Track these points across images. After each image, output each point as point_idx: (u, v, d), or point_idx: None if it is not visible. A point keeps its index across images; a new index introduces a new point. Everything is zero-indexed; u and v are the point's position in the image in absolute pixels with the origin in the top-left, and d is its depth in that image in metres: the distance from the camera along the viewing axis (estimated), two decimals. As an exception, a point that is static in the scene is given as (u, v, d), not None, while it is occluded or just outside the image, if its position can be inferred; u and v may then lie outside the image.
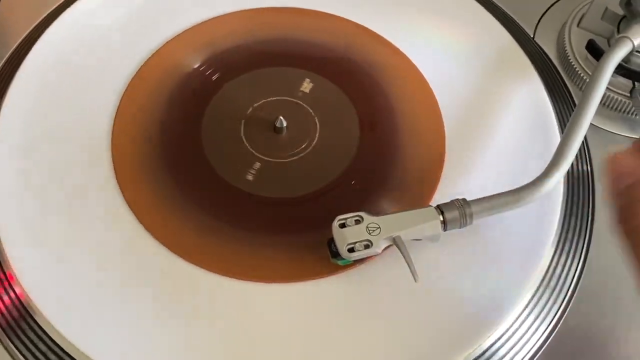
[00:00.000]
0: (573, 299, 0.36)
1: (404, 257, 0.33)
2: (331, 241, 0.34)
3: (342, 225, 0.34)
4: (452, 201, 0.34)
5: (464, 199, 0.34)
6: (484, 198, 0.35)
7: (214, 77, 0.41)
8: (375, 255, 0.34)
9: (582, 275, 0.37)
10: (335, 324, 0.34)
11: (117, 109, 0.39)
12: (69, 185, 0.37)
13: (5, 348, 0.34)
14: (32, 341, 0.34)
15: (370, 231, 0.34)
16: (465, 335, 0.33)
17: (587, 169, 0.41)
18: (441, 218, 0.34)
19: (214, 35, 0.43)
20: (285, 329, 0.33)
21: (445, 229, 0.34)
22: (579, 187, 0.40)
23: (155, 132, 0.38)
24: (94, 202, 0.37)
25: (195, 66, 0.42)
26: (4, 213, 0.36)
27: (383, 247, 0.34)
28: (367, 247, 0.33)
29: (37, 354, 0.33)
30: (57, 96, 0.41)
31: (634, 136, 0.41)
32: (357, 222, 0.34)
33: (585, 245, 0.38)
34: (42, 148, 0.38)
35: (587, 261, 0.38)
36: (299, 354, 0.33)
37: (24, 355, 0.33)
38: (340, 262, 0.35)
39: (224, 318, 0.33)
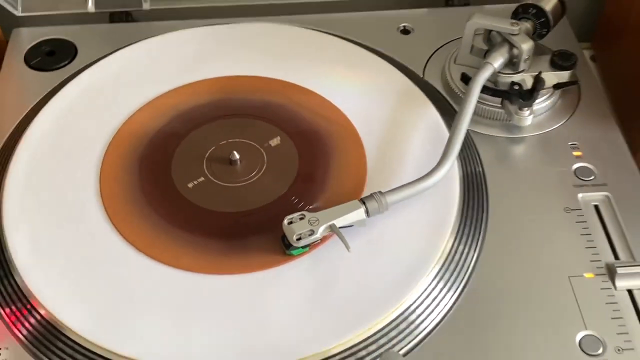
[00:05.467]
0: (474, 273, 0.45)
1: (339, 237, 0.43)
2: (283, 237, 0.44)
3: (290, 223, 0.44)
4: (371, 194, 0.45)
5: (379, 191, 0.45)
6: (395, 188, 0.45)
7: (181, 128, 0.52)
8: (317, 243, 0.45)
9: (481, 254, 0.46)
10: (287, 298, 0.43)
11: (105, 153, 0.51)
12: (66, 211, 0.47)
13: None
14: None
15: (312, 223, 0.44)
16: (389, 297, 0.43)
17: (480, 170, 0.52)
18: (364, 207, 0.45)
19: (179, 100, 0.54)
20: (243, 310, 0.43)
21: (368, 216, 0.45)
22: (474, 185, 0.51)
23: (134, 169, 0.49)
24: (85, 229, 0.46)
25: (164, 123, 0.53)
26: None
27: (323, 233, 0.44)
28: (311, 234, 0.43)
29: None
30: (54, 159, 0.51)
31: (511, 136, 0.53)
32: (301, 218, 0.44)
33: (482, 231, 0.48)
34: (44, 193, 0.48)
35: (484, 243, 0.47)
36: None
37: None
38: (293, 252, 0.45)
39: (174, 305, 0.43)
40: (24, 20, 0.63)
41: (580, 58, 0.56)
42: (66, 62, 0.59)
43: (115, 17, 0.64)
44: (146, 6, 0.63)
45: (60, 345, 0.41)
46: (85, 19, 0.63)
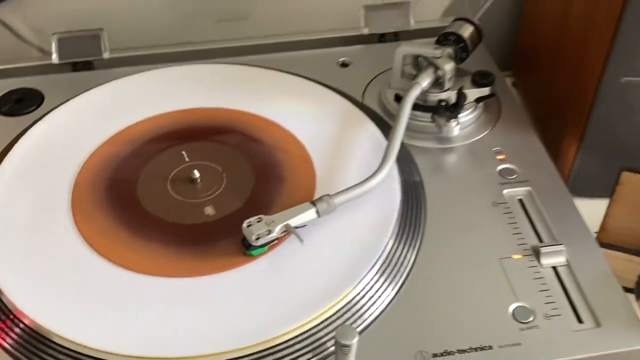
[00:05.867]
0: (415, 264, 0.50)
1: (294, 233, 0.48)
2: (244, 239, 0.49)
3: (249, 225, 0.49)
4: (321, 197, 0.50)
5: (328, 194, 0.50)
6: (341, 191, 0.51)
7: (146, 154, 0.57)
8: (275, 244, 0.49)
9: (421, 248, 0.51)
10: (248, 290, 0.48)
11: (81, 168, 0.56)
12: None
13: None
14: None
15: (268, 224, 0.49)
16: (336, 288, 0.47)
17: (418, 177, 0.58)
18: (315, 208, 0.50)
19: (142, 130, 0.60)
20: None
21: (319, 216, 0.50)
22: (412, 189, 0.57)
23: (102, 191, 0.54)
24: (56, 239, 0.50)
25: (130, 150, 0.58)
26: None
27: (280, 232, 0.49)
28: (268, 233, 0.48)
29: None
30: (28, 187, 0.55)
31: (443, 146, 0.59)
32: (259, 221, 0.49)
33: (421, 227, 0.53)
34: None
35: (423, 238, 0.52)
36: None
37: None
38: (254, 253, 0.49)
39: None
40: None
41: (501, 82, 0.64)
42: (34, 107, 0.64)
43: (78, 66, 0.69)
44: (106, 55, 0.69)
45: (43, 347, 0.45)
46: (50, 69, 0.68)
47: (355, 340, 0.41)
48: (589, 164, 0.61)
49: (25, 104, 0.65)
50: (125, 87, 0.64)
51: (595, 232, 0.64)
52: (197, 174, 0.54)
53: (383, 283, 0.49)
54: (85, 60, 0.69)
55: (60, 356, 0.44)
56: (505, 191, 0.56)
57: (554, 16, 0.67)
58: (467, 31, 0.62)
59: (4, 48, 0.69)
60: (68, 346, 0.45)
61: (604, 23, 0.55)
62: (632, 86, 0.56)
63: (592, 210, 0.62)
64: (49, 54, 0.68)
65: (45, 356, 0.45)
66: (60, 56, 0.68)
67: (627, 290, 0.50)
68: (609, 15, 0.55)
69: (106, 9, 0.68)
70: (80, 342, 0.44)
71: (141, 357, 0.44)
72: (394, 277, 0.49)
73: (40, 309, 0.46)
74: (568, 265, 0.50)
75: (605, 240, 0.63)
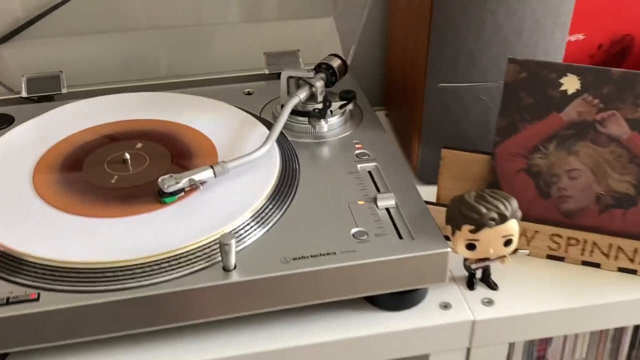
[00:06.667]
0: (286, 213, 0.69)
1: (194, 182, 0.67)
2: (159, 190, 0.67)
3: (162, 180, 0.67)
4: (218, 162, 0.69)
5: (223, 160, 0.69)
6: (233, 159, 0.70)
7: (89, 148, 0.76)
8: (181, 197, 0.68)
9: (292, 201, 0.70)
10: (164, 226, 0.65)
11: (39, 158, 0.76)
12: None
13: None
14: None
15: (177, 179, 0.67)
16: (221, 223, 0.65)
17: (296, 167, 0.77)
18: (212, 170, 0.69)
19: (87, 135, 0.78)
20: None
21: (215, 176, 0.69)
22: (289, 177, 0.75)
23: (57, 170, 0.72)
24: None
25: (74, 147, 0.76)
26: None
27: (185, 184, 0.67)
28: (177, 184, 0.67)
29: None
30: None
31: (317, 141, 0.79)
32: (170, 177, 0.67)
33: (295, 188, 0.71)
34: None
35: (295, 195, 0.71)
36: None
37: None
38: (166, 200, 0.67)
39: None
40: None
41: (362, 98, 0.86)
42: (6, 126, 0.83)
43: (42, 99, 0.89)
44: (64, 90, 0.89)
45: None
46: (20, 100, 0.88)
47: (233, 241, 0.59)
48: (428, 155, 0.82)
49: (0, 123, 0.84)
50: (72, 109, 0.84)
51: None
52: (127, 155, 0.73)
53: (259, 221, 0.67)
54: (48, 94, 0.89)
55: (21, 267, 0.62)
56: (359, 165, 0.75)
57: (400, 47, 0.90)
58: (335, 63, 0.84)
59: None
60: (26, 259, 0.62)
61: (422, 44, 0.78)
62: (447, 90, 0.78)
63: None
64: (19, 90, 0.88)
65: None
66: (28, 92, 0.88)
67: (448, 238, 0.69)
68: (424, 38, 0.77)
69: (65, 56, 0.90)
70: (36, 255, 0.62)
71: (81, 262, 0.61)
72: (268, 218, 0.68)
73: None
74: (397, 207, 0.69)
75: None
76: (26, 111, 0.86)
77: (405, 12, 0.85)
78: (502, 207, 0.64)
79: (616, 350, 0.84)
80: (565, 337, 0.80)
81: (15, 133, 0.80)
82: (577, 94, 0.69)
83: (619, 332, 0.82)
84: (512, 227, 0.65)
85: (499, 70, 0.76)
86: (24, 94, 0.88)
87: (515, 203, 0.65)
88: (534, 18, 0.74)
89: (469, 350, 0.69)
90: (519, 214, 0.66)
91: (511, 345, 0.75)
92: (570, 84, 0.69)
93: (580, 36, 0.86)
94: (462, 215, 0.65)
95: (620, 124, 0.69)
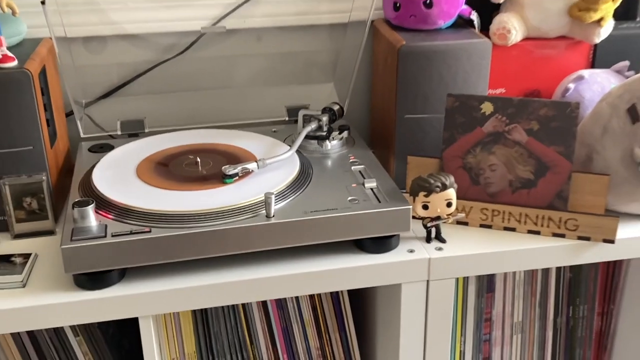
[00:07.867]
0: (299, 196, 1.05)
1: (244, 169, 1.03)
2: (223, 175, 1.03)
3: (224, 168, 1.03)
4: (260, 159, 1.05)
5: (263, 158, 1.06)
6: (270, 157, 1.06)
7: (175, 155, 1.13)
8: (236, 179, 1.03)
9: (307, 189, 1.07)
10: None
11: (140, 162, 1.11)
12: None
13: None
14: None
15: (233, 168, 1.03)
16: (258, 194, 1.01)
17: (311, 168, 1.13)
18: (256, 164, 1.05)
19: (171, 151, 1.15)
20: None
21: (258, 168, 1.05)
22: (306, 171, 1.11)
23: (155, 166, 1.08)
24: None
25: (167, 155, 1.13)
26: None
27: (239, 171, 1.03)
28: (233, 170, 1.02)
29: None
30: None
31: (325, 155, 1.16)
32: (229, 166, 1.03)
33: (307, 183, 1.08)
34: None
35: (308, 186, 1.08)
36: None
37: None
38: (227, 181, 1.03)
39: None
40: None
41: (354, 130, 1.24)
42: (108, 151, 1.20)
43: (131, 136, 1.26)
44: (147, 130, 1.26)
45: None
46: (115, 137, 1.26)
47: (272, 196, 0.95)
48: (401, 165, 1.18)
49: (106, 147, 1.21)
50: (160, 137, 1.22)
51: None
52: (198, 159, 1.10)
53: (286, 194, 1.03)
54: (135, 132, 1.26)
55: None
56: (352, 167, 1.12)
57: (379, 93, 1.29)
58: (335, 107, 1.23)
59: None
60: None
61: (393, 90, 1.17)
62: (411, 120, 1.16)
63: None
64: (115, 130, 1.26)
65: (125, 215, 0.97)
66: (121, 130, 1.26)
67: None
68: (394, 86, 1.16)
69: (147, 107, 1.29)
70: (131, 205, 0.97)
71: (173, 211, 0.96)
72: (291, 194, 1.03)
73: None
74: (377, 187, 1.05)
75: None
76: (120, 143, 1.23)
77: (382, 71, 1.25)
78: (444, 179, 1.00)
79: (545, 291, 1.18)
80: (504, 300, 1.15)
81: (121, 150, 1.17)
82: (492, 114, 1.07)
83: (545, 276, 1.17)
84: (451, 193, 1.01)
85: (444, 106, 1.14)
86: (118, 132, 1.26)
87: (452, 178, 1.01)
88: (464, 71, 1.13)
89: (428, 282, 1.03)
90: (455, 185, 1.02)
91: (458, 281, 1.09)
92: (487, 108, 1.07)
93: (502, 89, 1.25)
94: (419, 185, 1.01)
95: (520, 132, 1.06)
